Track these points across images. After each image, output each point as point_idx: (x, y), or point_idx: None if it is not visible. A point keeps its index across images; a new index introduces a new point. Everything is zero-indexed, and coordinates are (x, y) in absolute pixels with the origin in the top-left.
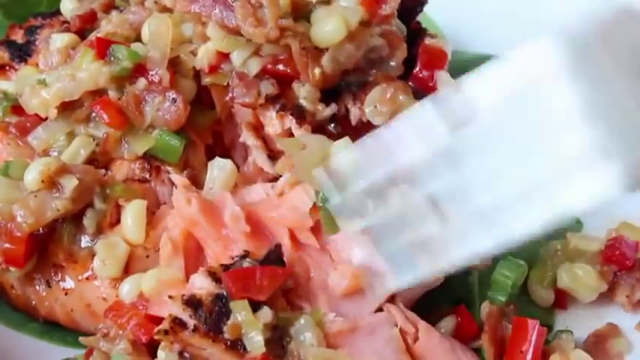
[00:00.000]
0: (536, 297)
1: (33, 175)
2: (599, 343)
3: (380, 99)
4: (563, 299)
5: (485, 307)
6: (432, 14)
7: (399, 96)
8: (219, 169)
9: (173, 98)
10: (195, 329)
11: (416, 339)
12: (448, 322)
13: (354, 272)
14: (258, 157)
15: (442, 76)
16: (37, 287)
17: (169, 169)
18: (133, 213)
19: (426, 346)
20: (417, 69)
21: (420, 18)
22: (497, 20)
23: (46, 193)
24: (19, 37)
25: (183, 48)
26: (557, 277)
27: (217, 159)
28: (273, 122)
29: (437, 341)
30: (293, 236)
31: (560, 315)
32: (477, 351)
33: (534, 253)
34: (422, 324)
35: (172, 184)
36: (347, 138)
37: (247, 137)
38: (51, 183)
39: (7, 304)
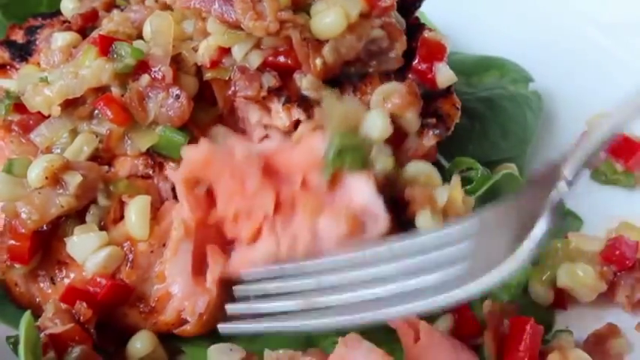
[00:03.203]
0: (536, 296)
1: (37, 172)
2: (598, 344)
3: (392, 95)
4: (562, 298)
5: (487, 306)
6: (429, 17)
7: (407, 111)
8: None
9: (177, 94)
10: None
11: (417, 339)
12: (445, 321)
13: (348, 214)
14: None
15: (441, 68)
16: (42, 284)
17: (173, 165)
18: (137, 209)
19: (427, 346)
20: (416, 61)
21: None
22: (493, 22)
23: (50, 189)
24: (19, 37)
25: (184, 45)
26: (556, 277)
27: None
28: (280, 115)
29: (438, 341)
30: (304, 180)
31: (560, 315)
32: (476, 348)
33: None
34: (422, 324)
35: None
36: (381, 109)
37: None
38: (55, 180)
39: (10, 302)
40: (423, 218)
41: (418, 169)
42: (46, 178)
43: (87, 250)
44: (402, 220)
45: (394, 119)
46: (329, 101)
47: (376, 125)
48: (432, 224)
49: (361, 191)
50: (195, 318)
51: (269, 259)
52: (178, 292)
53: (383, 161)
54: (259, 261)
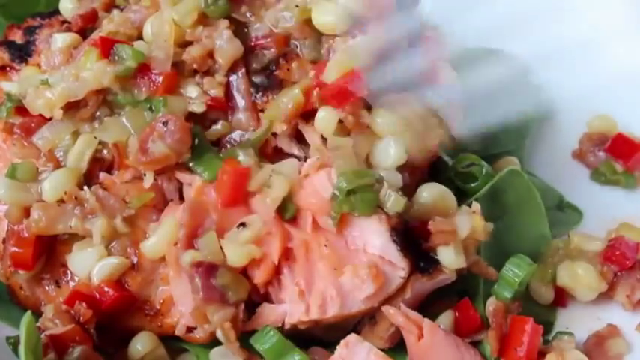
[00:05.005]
0: (536, 294)
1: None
2: (598, 344)
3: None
4: (563, 297)
5: (491, 303)
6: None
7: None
8: None
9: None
10: None
11: (420, 337)
12: (446, 317)
13: (371, 270)
14: (281, 141)
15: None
16: (47, 287)
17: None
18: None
19: (430, 344)
20: None
21: None
22: (492, 15)
23: (72, 207)
24: (17, 37)
25: (185, 53)
26: (557, 275)
27: None
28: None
29: (441, 338)
30: (314, 222)
31: (561, 315)
32: (475, 344)
33: (537, 251)
34: (426, 322)
35: (179, 181)
36: (395, 137)
37: None
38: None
39: (16, 305)
40: (447, 254)
41: (432, 193)
42: (76, 198)
43: (87, 266)
44: (419, 250)
45: None
46: (335, 138)
47: (389, 154)
48: (455, 259)
49: (375, 237)
50: (207, 332)
51: (298, 319)
52: (187, 309)
53: (394, 202)
54: (288, 320)
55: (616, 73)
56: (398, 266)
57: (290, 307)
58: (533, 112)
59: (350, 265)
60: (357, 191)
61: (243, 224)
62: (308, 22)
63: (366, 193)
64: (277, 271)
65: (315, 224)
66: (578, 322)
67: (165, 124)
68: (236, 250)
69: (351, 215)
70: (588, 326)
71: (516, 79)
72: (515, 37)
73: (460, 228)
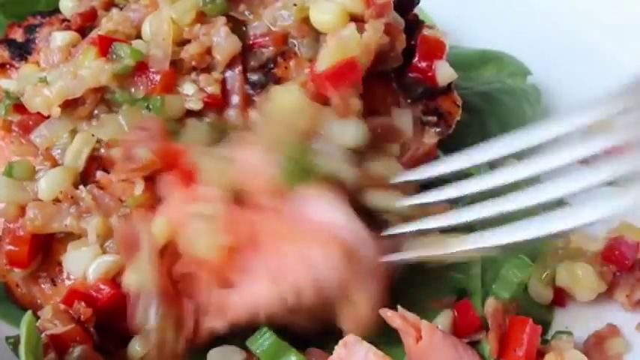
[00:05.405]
0: (536, 294)
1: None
2: (598, 344)
3: None
4: (562, 297)
5: (490, 305)
6: (428, 10)
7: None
8: None
9: None
10: None
11: (418, 339)
12: (445, 318)
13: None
14: None
15: (441, 65)
16: (43, 286)
17: None
18: None
19: (429, 346)
20: (416, 59)
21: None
22: (491, 16)
23: (67, 206)
24: (18, 35)
25: (183, 51)
26: (556, 275)
27: None
28: None
29: (440, 340)
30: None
31: (560, 315)
32: (474, 344)
33: (536, 251)
34: (424, 323)
35: None
36: (357, 121)
37: None
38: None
39: (13, 303)
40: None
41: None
42: (71, 197)
43: (81, 265)
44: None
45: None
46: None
47: (348, 133)
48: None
49: (328, 208)
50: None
51: (273, 304)
52: None
53: (340, 170)
54: (262, 306)
55: (616, 73)
56: (356, 232)
57: (261, 294)
58: (533, 112)
59: (312, 242)
60: (301, 164)
61: (198, 214)
62: (306, 20)
63: (311, 165)
64: (243, 259)
65: (264, 204)
66: (577, 322)
67: (142, 129)
68: (208, 244)
69: (297, 189)
70: (588, 326)
71: (516, 79)
72: (516, 37)
73: None
